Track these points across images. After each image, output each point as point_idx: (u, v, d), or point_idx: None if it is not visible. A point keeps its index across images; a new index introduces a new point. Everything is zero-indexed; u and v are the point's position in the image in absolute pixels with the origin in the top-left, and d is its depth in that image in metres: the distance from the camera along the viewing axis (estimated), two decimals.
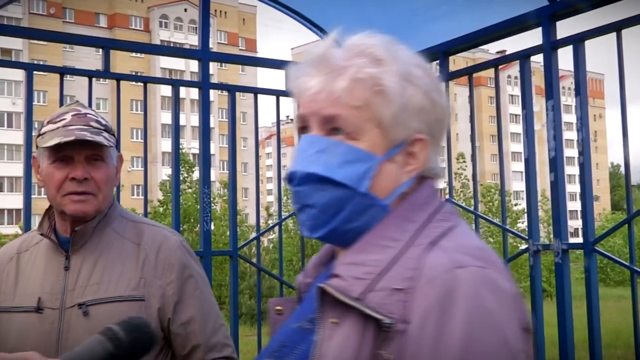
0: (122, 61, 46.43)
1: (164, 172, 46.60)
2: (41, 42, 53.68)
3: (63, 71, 3.69)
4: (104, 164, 2.02)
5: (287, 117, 61.55)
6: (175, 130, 3.95)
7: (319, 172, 1.18)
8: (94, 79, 3.67)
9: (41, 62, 44.47)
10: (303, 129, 1.25)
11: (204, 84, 3.90)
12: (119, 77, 3.79)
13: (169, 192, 27.65)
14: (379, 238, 1.18)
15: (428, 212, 1.22)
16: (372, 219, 1.21)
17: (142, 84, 3.89)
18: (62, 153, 1.97)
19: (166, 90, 52.81)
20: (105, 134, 2.00)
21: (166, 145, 56.92)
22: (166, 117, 58.81)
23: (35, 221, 2.21)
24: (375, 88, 1.19)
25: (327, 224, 1.20)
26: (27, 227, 3.19)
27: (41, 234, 2.07)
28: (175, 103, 3.93)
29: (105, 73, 3.67)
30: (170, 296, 2.02)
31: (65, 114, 2.02)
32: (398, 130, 1.21)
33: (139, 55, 57.89)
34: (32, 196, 3.52)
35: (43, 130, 2.01)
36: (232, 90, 4.13)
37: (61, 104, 3.14)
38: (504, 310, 1.09)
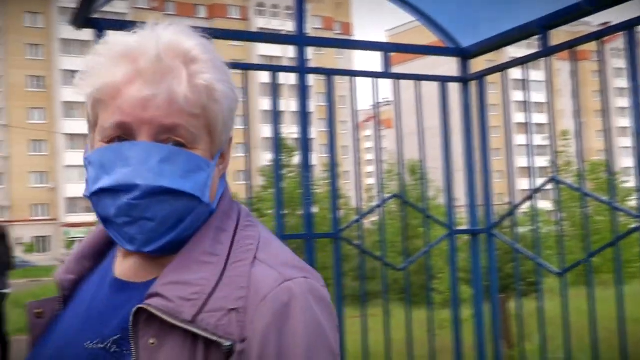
0: (222, 51, 47.19)
1: (265, 158, 47.31)
2: None
3: None
4: None
5: (385, 99, 61.29)
6: (275, 116, 4.01)
7: (169, 185, 1.10)
8: None
9: None
10: (121, 137, 1.12)
11: (301, 68, 3.94)
12: None
13: (269, 177, 28.09)
14: (198, 254, 1.13)
15: (234, 218, 1.21)
16: (201, 224, 1.18)
17: (241, 72, 3.97)
18: None
19: (265, 77, 53.62)
20: None
21: (267, 131, 57.73)
22: (266, 104, 59.63)
23: None
24: (211, 94, 1.14)
25: (163, 237, 1.12)
26: None
27: None
28: (274, 89, 4.00)
29: None
30: None
31: None
32: (224, 134, 1.20)
33: (237, 44, 58.94)
34: None
35: None
36: (328, 73, 4.16)
37: None
38: (328, 319, 1.12)
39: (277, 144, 4.06)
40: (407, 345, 4.21)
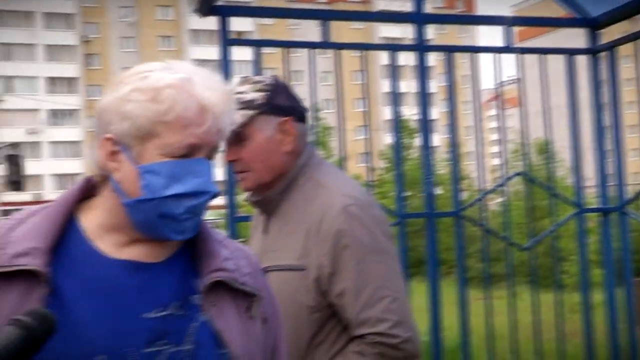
0: (342, 34, 47.49)
1: (387, 140, 47.33)
2: (268, 22, 56.56)
3: (284, 45, 3.86)
4: (248, 141, 2.03)
5: (510, 77, 59.52)
6: (395, 97, 3.98)
7: (216, 190, 1.43)
8: (316, 52, 3.80)
9: None
10: (184, 154, 1.38)
11: (419, 46, 3.88)
12: (338, 47, 3.89)
13: (391, 159, 28.02)
14: (213, 236, 1.49)
15: None
16: None
17: (360, 53, 3.96)
18: None
19: (386, 59, 53.06)
20: (242, 112, 2.00)
21: (387, 113, 57.67)
22: (387, 86, 59.52)
23: None
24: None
25: (197, 227, 1.44)
26: None
27: (247, 199, 2.20)
28: (393, 69, 3.96)
29: (324, 43, 3.79)
30: (325, 267, 1.95)
31: None
32: None
33: (358, 27, 59.00)
34: None
35: None
36: (448, 50, 4.07)
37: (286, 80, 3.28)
38: None
39: (398, 126, 4.02)
40: (534, 328, 4.10)
